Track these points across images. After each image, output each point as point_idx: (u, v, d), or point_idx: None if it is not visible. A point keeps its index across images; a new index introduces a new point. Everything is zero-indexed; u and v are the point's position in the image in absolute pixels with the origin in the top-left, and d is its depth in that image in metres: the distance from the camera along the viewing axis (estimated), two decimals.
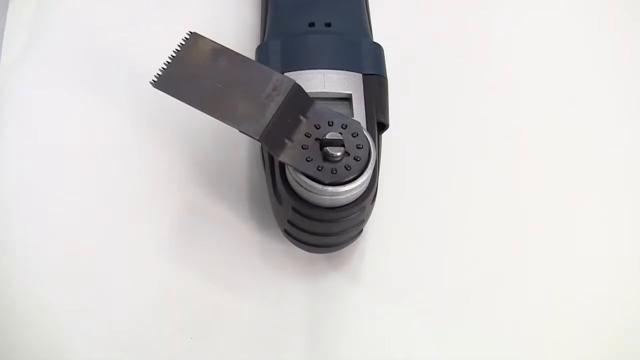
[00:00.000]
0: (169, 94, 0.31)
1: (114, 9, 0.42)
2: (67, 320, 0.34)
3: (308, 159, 0.31)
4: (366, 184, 0.32)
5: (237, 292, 0.35)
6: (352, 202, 0.32)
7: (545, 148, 0.40)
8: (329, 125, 0.31)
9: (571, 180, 0.39)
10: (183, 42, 0.31)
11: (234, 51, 0.32)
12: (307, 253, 0.36)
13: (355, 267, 0.36)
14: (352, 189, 0.31)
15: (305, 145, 0.31)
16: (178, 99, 0.31)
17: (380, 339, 0.35)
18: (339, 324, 0.35)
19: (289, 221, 0.33)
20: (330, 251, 0.36)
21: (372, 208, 0.34)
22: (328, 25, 0.37)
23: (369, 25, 0.38)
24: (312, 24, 0.37)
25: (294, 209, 0.32)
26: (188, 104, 0.31)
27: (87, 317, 0.34)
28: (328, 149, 0.31)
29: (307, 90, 0.34)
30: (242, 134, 0.30)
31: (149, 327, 0.34)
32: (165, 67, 0.31)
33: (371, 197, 0.32)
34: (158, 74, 0.31)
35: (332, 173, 0.30)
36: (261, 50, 0.36)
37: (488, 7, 0.44)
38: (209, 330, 0.34)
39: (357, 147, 0.31)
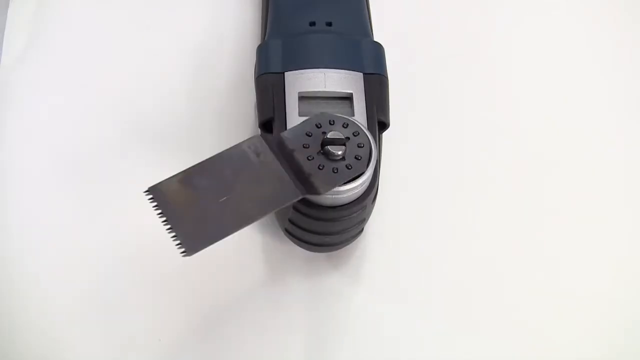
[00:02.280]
0: (205, 245, 0.28)
1: (114, 9, 0.42)
2: (67, 321, 0.34)
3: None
4: (367, 183, 0.32)
5: (238, 292, 0.35)
6: (353, 201, 0.32)
7: (547, 147, 0.40)
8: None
9: (572, 179, 0.39)
10: (155, 202, 0.28)
11: (195, 165, 0.29)
12: (308, 252, 0.36)
13: (356, 266, 0.36)
14: (353, 188, 0.31)
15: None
16: (216, 240, 0.28)
17: (381, 338, 0.35)
18: (340, 323, 0.35)
19: (289, 220, 0.33)
20: (331, 250, 0.36)
21: (373, 207, 0.34)
22: (329, 24, 0.37)
23: (369, 25, 0.38)
24: (312, 24, 0.37)
25: (294, 208, 0.32)
26: (228, 234, 0.28)
27: (87, 317, 0.34)
28: (329, 147, 0.31)
29: (308, 90, 0.34)
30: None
31: (148, 327, 0.34)
32: (173, 234, 0.28)
33: (372, 196, 0.32)
34: (179, 244, 0.28)
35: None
36: (262, 49, 0.36)
37: (489, 6, 0.44)
38: (210, 330, 0.34)
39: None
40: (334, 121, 0.31)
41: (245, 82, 0.39)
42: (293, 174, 0.30)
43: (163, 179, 0.29)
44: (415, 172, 0.38)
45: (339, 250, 0.36)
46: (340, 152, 0.31)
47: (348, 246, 0.36)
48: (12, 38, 0.41)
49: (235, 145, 0.30)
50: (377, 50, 0.36)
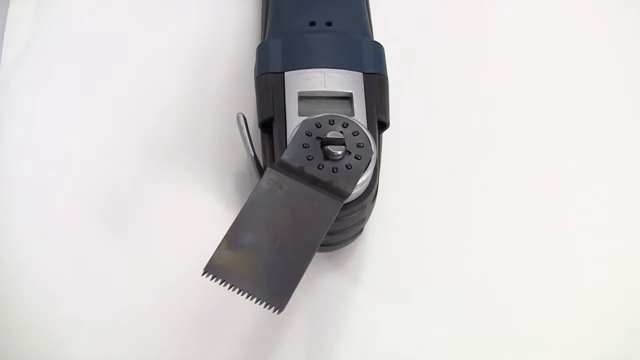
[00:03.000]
0: (290, 294, 0.27)
1: (113, 8, 0.42)
2: (67, 321, 0.34)
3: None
4: (367, 183, 0.32)
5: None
6: (353, 200, 0.32)
7: (547, 147, 0.40)
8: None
9: (573, 179, 0.39)
10: (218, 279, 0.28)
11: (231, 226, 0.29)
12: None
13: (355, 266, 0.36)
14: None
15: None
16: (296, 284, 0.28)
17: (381, 337, 0.35)
18: (340, 323, 0.35)
19: None
20: (331, 250, 0.36)
21: (372, 207, 0.34)
22: (329, 24, 0.37)
23: (369, 25, 0.38)
24: (312, 23, 0.37)
25: None
26: (302, 272, 0.28)
27: (87, 317, 0.34)
28: (329, 147, 0.31)
29: (307, 90, 0.34)
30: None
31: (149, 327, 0.34)
32: (255, 299, 0.27)
33: (372, 195, 0.32)
34: (267, 306, 0.27)
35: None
36: (262, 49, 0.36)
37: (488, 6, 0.44)
38: (209, 330, 0.34)
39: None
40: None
41: (245, 81, 0.39)
42: (319, 188, 0.30)
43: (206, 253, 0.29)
44: (415, 171, 0.38)
45: (338, 250, 0.36)
46: (340, 152, 0.31)
47: (348, 246, 0.36)
48: (12, 38, 0.41)
49: (255, 189, 0.29)
50: (377, 50, 0.36)
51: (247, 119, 0.35)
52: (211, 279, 0.28)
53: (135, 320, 0.34)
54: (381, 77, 0.35)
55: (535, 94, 0.41)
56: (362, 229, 0.35)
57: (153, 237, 0.36)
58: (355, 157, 0.31)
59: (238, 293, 0.27)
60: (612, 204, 0.38)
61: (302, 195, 0.29)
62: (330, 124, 0.31)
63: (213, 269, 0.28)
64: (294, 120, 0.33)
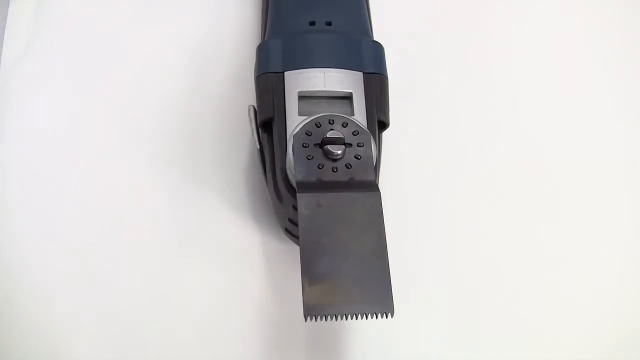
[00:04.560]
0: (392, 295, 0.28)
1: (114, 8, 0.42)
2: (67, 321, 0.34)
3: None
4: None
5: (238, 291, 0.35)
6: None
7: (547, 146, 0.40)
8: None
9: (573, 178, 0.39)
10: (326, 315, 0.28)
11: (302, 263, 0.29)
12: None
13: None
14: None
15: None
16: (391, 284, 0.28)
17: (381, 337, 0.35)
18: (339, 323, 0.35)
19: (290, 220, 0.33)
20: None
21: None
22: (329, 24, 0.37)
23: (369, 24, 0.38)
24: (312, 23, 0.37)
25: (295, 208, 0.32)
26: (388, 272, 0.29)
27: (87, 317, 0.34)
28: (329, 147, 0.31)
29: (307, 89, 0.34)
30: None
31: (149, 326, 0.34)
32: (372, 316, 0.28)
33: None
34: (384, 314, 0.28)
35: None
36: (262, 49, 0.36)
37: (489, 5, 0.44)
38: (210, 329, 0.34)
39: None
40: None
41: (245, 81, 0.39)
42: (349, 189, 0.30)
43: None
44: (415, 171, 0.38)
45: None
46: (339, 152, 0.31)
47: None
48: (12, 38, 0.41)
49: (300, 219, 0.29)
50: (377, 50, 0.36)
51: (247, 119, 0.35)
52: (316, 321, 0.28)
53: (135, 320, 0.34)
54: (381, 77, 0.35)
55: (536, 93, 0.41)
56: None
57: (153, 236, 0.36)
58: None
59: (346, 319, 0.27)
60: (614, 202, 0.38)
61: (342, 203, 0.29)
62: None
63: (312, 311, 0.28)
64: (294, 120, 0.33)
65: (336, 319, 0.28)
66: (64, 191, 0.37)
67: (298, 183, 0.30)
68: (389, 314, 0.28)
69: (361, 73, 0.35)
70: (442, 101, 0.41)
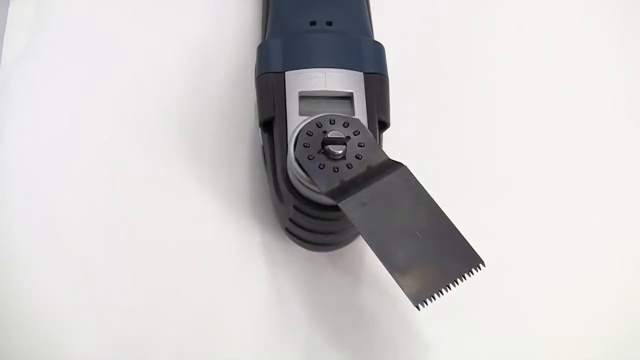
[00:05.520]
0: (469, 246, 0.30)
1: (114, 8, 0.42)
2: (67, 321, 0.34)
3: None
4: None
5: (238, 291, 0.35)
6: None
7: (548, 146, 0.40)
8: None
9: (574, 178, 0.39)
10: (433, 297, 0.29)
11: (381, 258, 0.29)
12: (308, 252, 0.36)
13: (355, 265, 0.36)
14: None
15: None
16: (457, 230, 0.30)
17: (381, 337, 0.35)
18: (340, 323, 0.35)
19: (290, 219, 0.33)
20: (332, 249, 0.36)
21: None
22: (329, 24, 0.37)
23: (370, 24, 0.38)
24: (313, 23, 0.37)
25: (295, 207, 0.32)
26: (462, 235, 0.30)
27: (87, 317, 0.34)
28: (329, 147, 0.31)
29: (308, 89, 0.34)
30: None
31: (149, 326, 0.34)
32: (469, 276, 0.29)
33: None
34: (478, 267, 0.29)
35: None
36: (262, 49, 0.36)
37: (489, 5, 0.44)
38: (210, 329, 0.34)
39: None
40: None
41: (245, 81, 0.39)
42: (376, 176, 0.30)
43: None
44: (415, 171, 0.38)
45: (339, 250, 0.36)
46: (340, 152, 0.31)
47: (348, 246, 0.36)
48: (12, 38, 0.41)
49: (356, 225, 0.29)
50: (378, 50, 0.36)
51: (247, 119, 0.35)
52: (426, 305, 0.28)
53: (135, 320, 0.34)
54: (382, 77, 0.35)
55: (537, 92, 0.41)
56: None
57: (154, 236, 0.36)
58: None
59: (450, 289, 0.29)
60: (614, 202, 0.38)
61: (381, 192, 0.30)
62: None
63: (418, 298, 0.28)
64: (294, 120, 0.33)
65: (442, 294, 0.28)
66: (64, 191, 0.37)
67: (329, 194, 0.30)
68: (481, 265, 0.29)
69: (362, 73, 0.35)
70: (443, 101, 0.41)
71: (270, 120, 0.34)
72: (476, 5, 0.44)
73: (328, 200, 0.31)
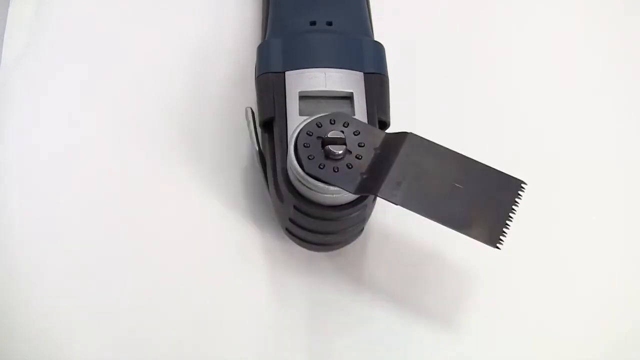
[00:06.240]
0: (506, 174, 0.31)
1: (114, 8, 0.42)
2: (67, 321, 0.34)
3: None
4: None
5: (238, 291, 0.35)
6: (354, 200, 0.32)
7: (548, 146, 0.40)
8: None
9: (575, 178, 0.39)
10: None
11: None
12: (309, 252, 0.36)
13: (356, 265, 0.36)
14: None
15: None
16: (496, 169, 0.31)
17: (382, 337, 0.35)
18: (340, 323, 0.35)
19: (290, 219, 0.33)
20: (332, 249, 0.36)
21: (373, 206, 0.34)
22: (329, 24, 0.37)
23: (370, 24, 0.38)
24: (313, 23, 0.37)
25: (295, 207, 0.32)
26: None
27: (87, 317, 0.34)
28: (330, 147, 0.31)
29: (308, 89, 0.34)
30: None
31: (149, 326, 0.34)
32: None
33: (373, 195, 0.32)
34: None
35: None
36: (262, 48, 0.36)
37: (490, 5, 0.44)
38: (210, 329, 0.34)
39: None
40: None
41: (245, 81, 0.39)
42: (393, 151, 0.30)
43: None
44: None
45: (339, 250, 0.36)
46: (340, 152, 0.31)
47: (349, 246, 0.36)
48: (12, 38, 0.41)
49: (409, 207, 0.30)
50: (378, 50, 0.36)
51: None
52: (503, 240, 0.29)
53: (135, 320, 0.34)
54: (382, 77, 0.35)
55: (537, 92, 0.41)
56: (363, 228, 0.35)
57: (154, 236, 0.36)
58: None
59: (511, 219, 0.30)
60: (614, 202, 0.38)
61: (407, 166, 0.30)
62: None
63: (494, 239, 0.29)
64: (294, 120, 0.33)
65: (508, 226, 0.29)
66: (64, 191, 0.37)
67: (359, 191, 0.30)
68: (523, 185, 0.30)
69: (362, 73, 0.35)
70: (443, 101, 0.41)
71: (270, 120, 0.34)
72: (476, 5, 0.44)
73: (329, 201, 0.31)
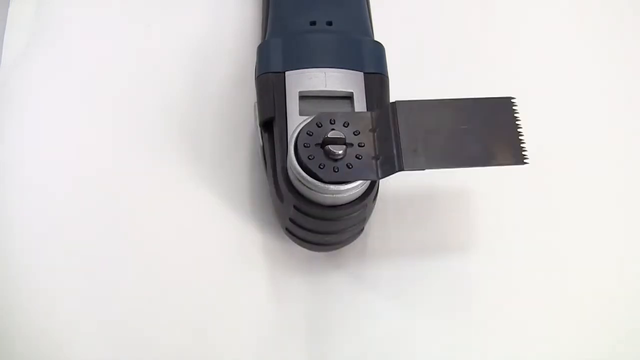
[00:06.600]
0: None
1: (114, 8, 0.42)
2: (67, 321, 0.34)
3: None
4: (368, 182, 0.32)
5: (238, 291, 0.35)
6: (354, 200, 0.32)
7: (548, 147, 0.40)
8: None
9: (575, 178, 0.39)
10: None
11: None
12: (308, 251, 0.36)
13: (356, 265, 0.36)
14: (354, 187, 0.31)
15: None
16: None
17: (382, 337, 0.35)
18: (340, 323, 0.35)
19: (290, 219, 0.33)
20: (332, 249, 0.36)
21: (373, 206, 0.34)
22: (329, 24, 0.37)
23: (370, 24, 0.38)
24: (313, 23, 0.37)
25: (295, 207, 0.32)
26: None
27: (87, 317, 0.34)
28: (330, 147, 0.31)
29: (308, 89, 0.34)
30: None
31: (149, 326, 0.34)
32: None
33: (373, 195, 0.32)
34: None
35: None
36: (262, 48, 0.36)
37: (489, 5, 0.44)
38: (210, 329, 0.34)
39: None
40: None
41: (245, 81, 0.39)
42: (393, 124, 0.31)
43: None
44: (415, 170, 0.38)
45: (339, 250, 0.36)
46: (340, 152, 0.31)
47: (348, 245, 0.36)
48: (12, 38, 0.41)
49: (425, 168, 0.31)
50: (378, 50, 0.36)
51: (247, 119, 0.35)
52: (527, 155, 0.31)
53: (135, 320, 0.34)
54: (382, 77, 0.35)
55: (537, 93, 0.41)
56: (363, 228, 0.35)
57: (153, 236, 0.36)
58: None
59: (522, 133, 0.31)
60: (614, 202, 0.38)
61: (413, 132, 0.31)
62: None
63: (518, 158, 0.31)
64: (295, 120, 0.33)
65: (523, 140, 0.31)
66: (64, 191, 0.37)
67: (384, 174, 0.31)
68: (511, 98, 0.32)
69: (362, 73, 0.35)
70: None
71: (271, 120, 0.34)
72: (476, 5, 0.44)
73: (329, 201, 0.31)
